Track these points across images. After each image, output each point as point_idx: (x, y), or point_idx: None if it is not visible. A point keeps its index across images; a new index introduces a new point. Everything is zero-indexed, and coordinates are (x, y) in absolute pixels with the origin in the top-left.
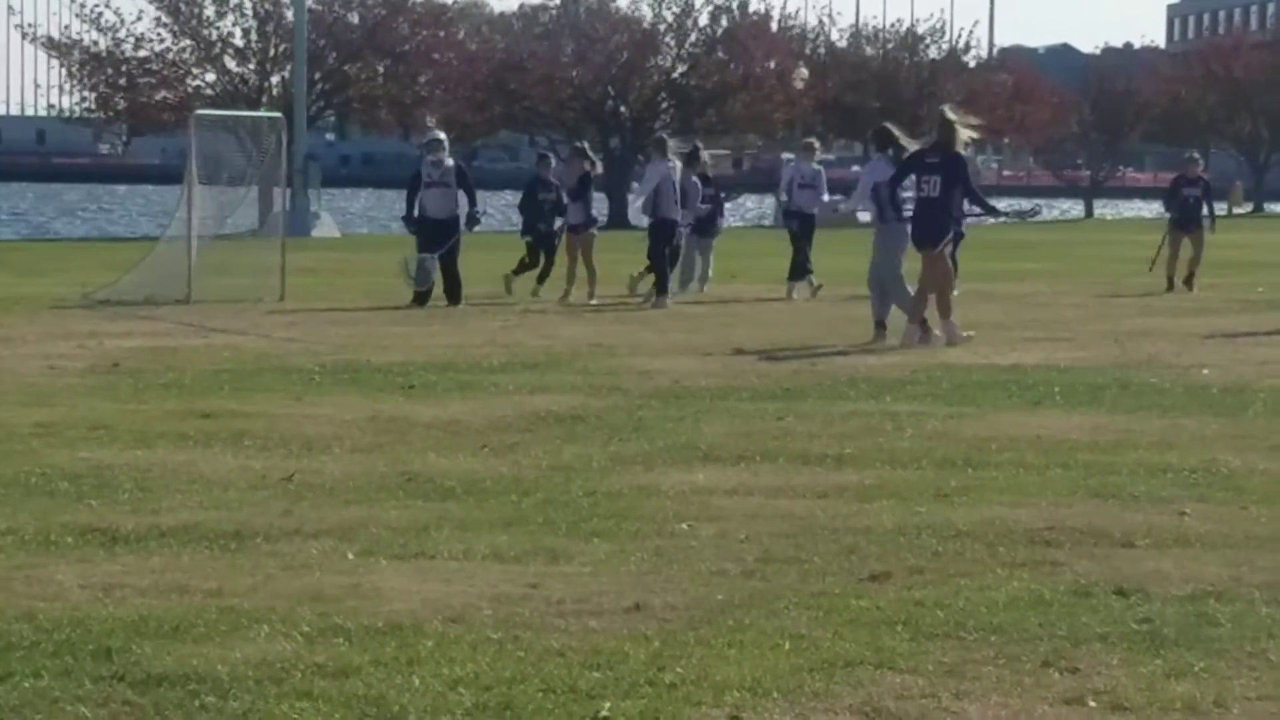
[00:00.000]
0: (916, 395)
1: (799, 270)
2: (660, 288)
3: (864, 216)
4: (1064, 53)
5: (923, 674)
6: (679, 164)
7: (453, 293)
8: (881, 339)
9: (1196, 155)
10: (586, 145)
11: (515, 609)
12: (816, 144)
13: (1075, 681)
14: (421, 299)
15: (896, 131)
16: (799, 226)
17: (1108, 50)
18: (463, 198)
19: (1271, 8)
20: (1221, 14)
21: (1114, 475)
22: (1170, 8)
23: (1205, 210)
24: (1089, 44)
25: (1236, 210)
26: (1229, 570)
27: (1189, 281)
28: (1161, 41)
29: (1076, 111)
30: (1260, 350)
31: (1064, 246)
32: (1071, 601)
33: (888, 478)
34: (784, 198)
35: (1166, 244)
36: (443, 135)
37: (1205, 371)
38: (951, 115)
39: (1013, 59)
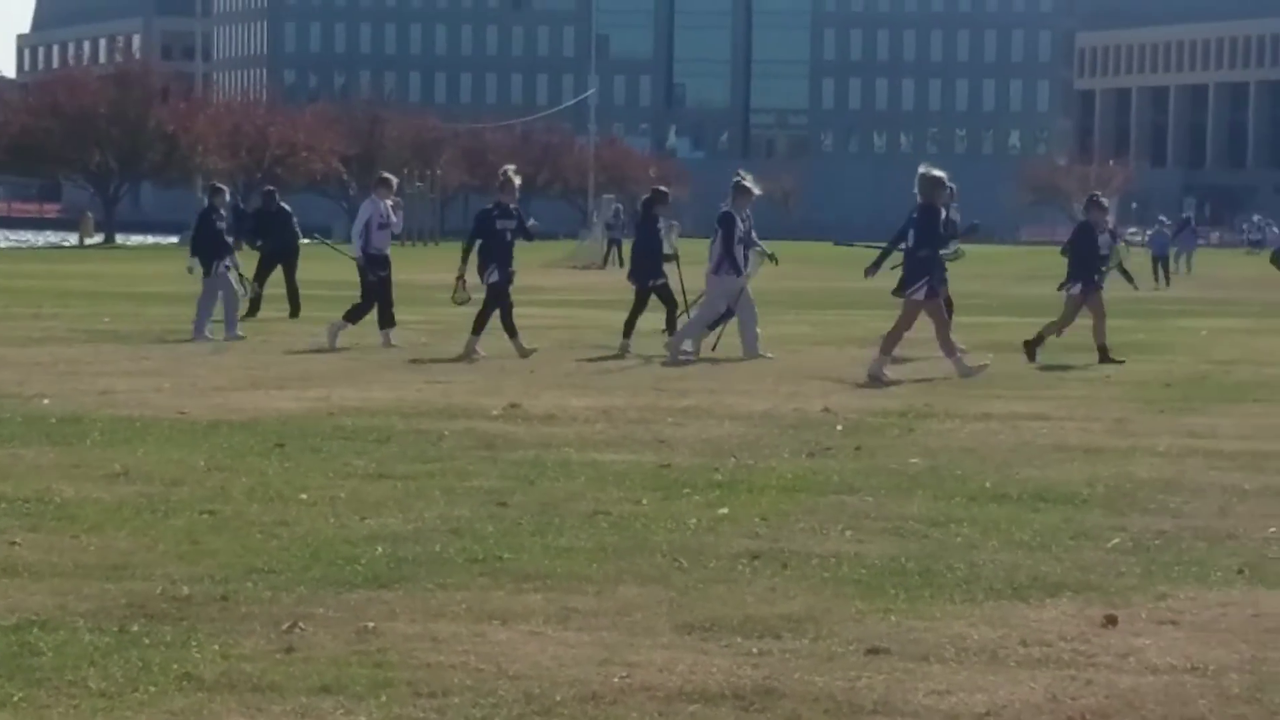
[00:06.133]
0: None
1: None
2: None
3: None
4: None
5: None
6: None
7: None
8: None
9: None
10: None
11: None
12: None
13: None
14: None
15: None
16: (383, 269)
17: None
18: None
19: (121, 40)
20: (71, 46)
21: None
22: (20, 38)
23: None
24: None
25: (88, 241)
26: (55, 599)
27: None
28: (12, 72)
29: None
30: (101, 380)
31: None
32: None
33: None
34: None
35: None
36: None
37: (46, 401)
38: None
39: None
